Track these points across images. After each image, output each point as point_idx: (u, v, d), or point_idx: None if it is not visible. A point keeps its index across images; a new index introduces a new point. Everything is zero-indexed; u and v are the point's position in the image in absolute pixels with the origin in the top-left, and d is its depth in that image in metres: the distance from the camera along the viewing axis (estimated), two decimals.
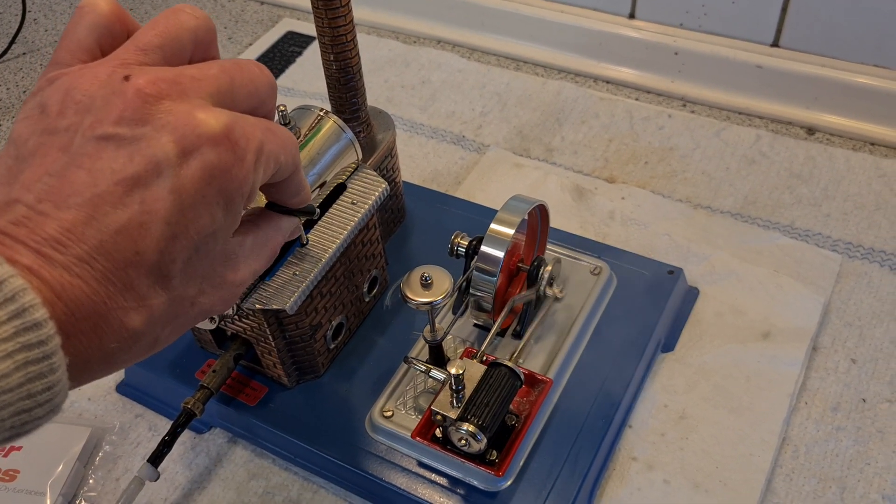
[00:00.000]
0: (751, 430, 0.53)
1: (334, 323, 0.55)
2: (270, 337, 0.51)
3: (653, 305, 0.58)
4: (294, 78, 0.88)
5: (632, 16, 0.82)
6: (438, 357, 0.53)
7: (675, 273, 0.60)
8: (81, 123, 0.29)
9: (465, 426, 0.46)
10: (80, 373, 0.28)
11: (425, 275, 0.48)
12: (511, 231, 0.51)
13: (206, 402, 0.52)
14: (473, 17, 0.89)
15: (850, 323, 0.59)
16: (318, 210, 0.50)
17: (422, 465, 0.50)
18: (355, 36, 0.55)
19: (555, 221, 0.66)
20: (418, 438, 0.49)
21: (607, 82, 0.83)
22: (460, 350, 0.55)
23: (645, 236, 0.66)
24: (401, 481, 0.50)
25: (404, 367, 0.55)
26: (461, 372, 0.47)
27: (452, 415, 0.46)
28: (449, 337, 0.57)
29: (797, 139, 0.74)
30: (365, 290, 0.57)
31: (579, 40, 0.84)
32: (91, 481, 0.55)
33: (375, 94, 0.84)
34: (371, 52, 0.89)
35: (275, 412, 0.54)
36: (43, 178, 0.28)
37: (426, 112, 0.81)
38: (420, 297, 0.48)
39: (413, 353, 0.55)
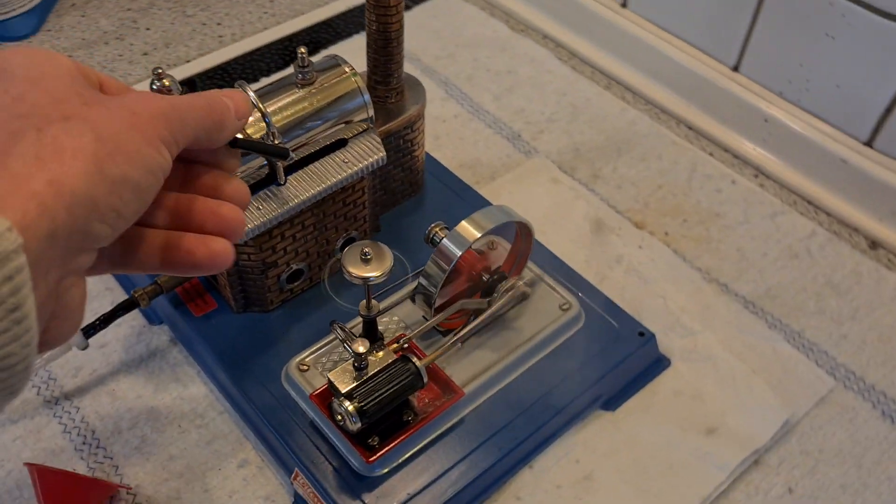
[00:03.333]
0: None
1: (293, 266, 0.56)
2: None
3: (605, 360, 0.56)
4: None
5: (735, 68, 0.77)
6: (371, 333, 0.54)
7: (645, 336, 0.57)
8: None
9: (346, 404, 0.46)
10: None
11: (366, 250, 0.48)
12: (476, 234, 0.50)
13: (153, 297, 0.55)
14: (585, 23, 0.86)
15: (809, 452, 0.55)
16: (292, 154, 0.51)
17: (313, 426, 0.51)
18: (401, 3, 0.55)
19: (562, 246, 0.65)
20: (314, 400, 0.50)
21: (689, 128, 0.79)
22: (399, 332, 0.56)
23: (640, 292, 0.63)
24: (289, 434, 0.51)
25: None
26: (364, 351, 0.47)
27: (341, 389, 0.47)
28: (396, 318, 0.57)
29: (854, 249, 0.68)
30: (338, 247, 0.58)
31: (678, 78, 0.80)
32: None
33: (459, 69, 0.84)
34: (476, 28, 0.89)
35: (212, 329, 0.56)
36: None
37: (498, 101, 0.81)
38: (358, 272, 0.49)
39: (355, 323, 0.56)
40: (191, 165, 0.38)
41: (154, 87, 0.47)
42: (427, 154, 0.71)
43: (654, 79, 0.82)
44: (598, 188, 0.72)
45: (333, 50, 0.87)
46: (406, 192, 0.65)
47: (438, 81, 0.82)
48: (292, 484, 0.51)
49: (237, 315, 0.57)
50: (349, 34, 0.88)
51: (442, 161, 0.73)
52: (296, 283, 0.58)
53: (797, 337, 0.61)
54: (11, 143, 0.29)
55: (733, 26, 0.75)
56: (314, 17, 0.90)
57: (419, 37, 0.87)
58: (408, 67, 0.84)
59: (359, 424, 0.46)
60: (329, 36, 0.88)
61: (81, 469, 0.52)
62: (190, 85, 0.54)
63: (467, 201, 0.66)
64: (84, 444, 0.53)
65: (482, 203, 0.66)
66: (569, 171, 0.74)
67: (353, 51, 0.82)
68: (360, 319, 0.52)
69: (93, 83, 0.35)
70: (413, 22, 0.90)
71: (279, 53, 0.85)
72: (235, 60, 0.84)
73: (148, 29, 0.88)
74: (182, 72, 0.83)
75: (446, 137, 0.77)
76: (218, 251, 0.36)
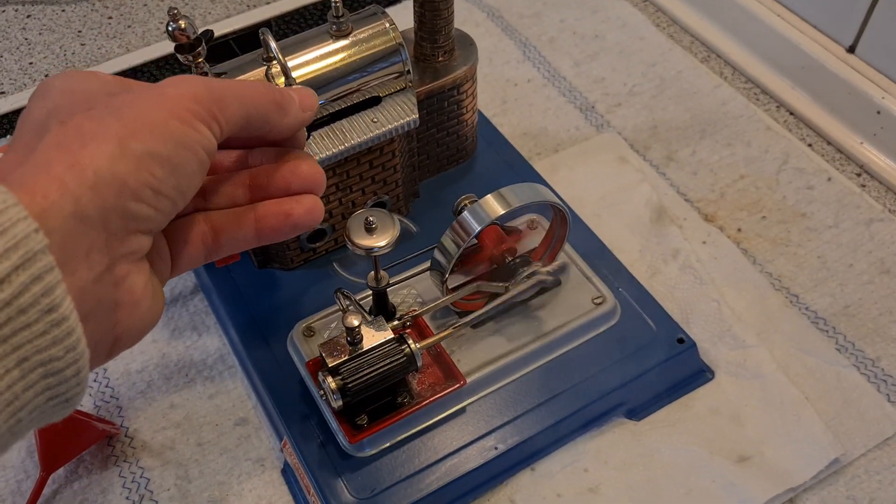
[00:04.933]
0: None
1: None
2: None
3: (634, 364, 0.51)
4: None
5: (851, 49, 0.67)
6: (382, 305, 0.51)
7: (685, 343, 0.52)
8: None
9: (330, 380, 0.44)
10: None
11: (370, 218, 0.45)
12: (500, 210, 0.46)
13: None
14: None
15: (857, 499, 0.48)
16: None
17: (307, 393, 0.49)
18: None
19: (615, 234, 0.60)
20: (310, 368, 0.48)
21: (790, 113, 0.71)
22: (413, 308, 0.52)
23: (693, 293, 0.57)
24: (284, 400, 0.50)
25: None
26: (356, 325, 0.44)
27: (329, 362, 0.45)
28: (414, 292, 0.54)
29: None
30: None
31: (784, 55, 0.71)
32: None
33: (543, 30, 0.78)
34: None
35: (230, 282, 0.55)
36: None
37: (578, 68, 0.74)
38: (362, 242, 0.46)
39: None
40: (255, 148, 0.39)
41: (169, 28, 0.45)
42: (486, 119, 0.66)
43: (758, 54, 0.74)
44: (671, 172, 0.66)
45: None
46: (453, 159, 0.61)
47: (518, 42, 0.77)
48: (282, 450, 0.50)
49: (258, 270, 0.56)
50: None
51: (506, 127, 0.69)
52: (319, 244, 0.55)
53: (870, 365, 0.54)
54: (37, 139, 0.30)
55: (853, 0, 0.65)
56: None
57: None
58: (488, 25, 0.80)
59: (340, 402, 0.44)
60: None
61: (87, 405, 0.53)
62: (224, 46, 0.51)
63: (519, 174, 0.62)
64: (94, 381, 0.54)
65: (533, 178, 0.61)
66: (641, 150, 0.67)
67: None
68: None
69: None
70: None
71: None
72: (314, 5, 0.82)
73: None
74: (261, 14, 0.81)
75: (514, 103, 0.72)
76: (311, 206, 0.38)
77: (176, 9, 0.45)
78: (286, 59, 0.48)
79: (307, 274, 0.55)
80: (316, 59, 0.49)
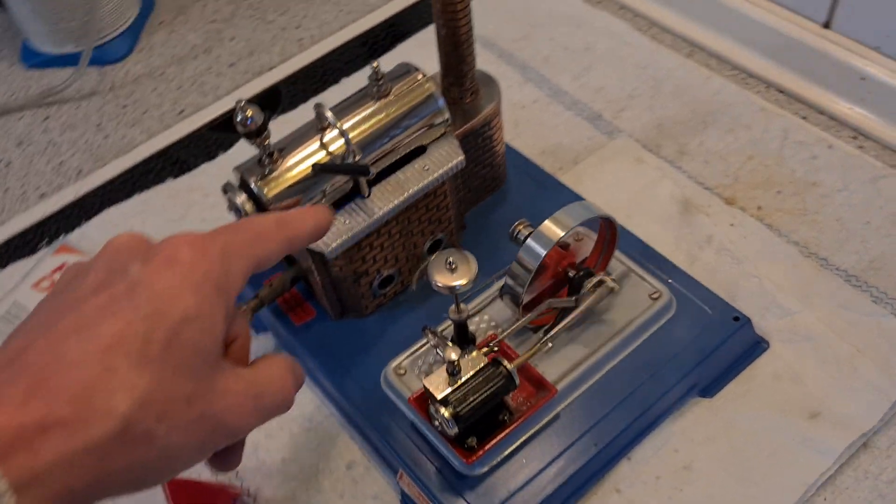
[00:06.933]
0: None
1: (384, 273, 0.58)
2: (315, 273, 0.55)
3: (699, 347, 0.55)
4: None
5: (826, 25, 0.73)
6: (463, 335, 0.55)
7: (740, 321, 0.56)
8: None
9: (443, 410, 0.48)
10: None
11: (451, 259, 0.49)
12: (560, 233, 0.51)
13: (255, 311, 0.58)
14: None
15: None
16: (372, 171, 0.53)
17: (414, 428, 0.53)
18: (468, 6, 0.56)
19: (649, 229, 0.64)
20: (413, 403, 0.52)
21: (780, 91, 0.76)
22: (490, 332, 0.57)
23: (733, 273, 0.62)
24: (391, 436, 0.54)
25: None
26: (456, 358, 0.48)
27: (436, 395, 0.49)
28: (486, 317, 0.58)
29: None
30: (426, 250, 0.60)
31: (764, 39, 0.77)
32: None
33: (536, 50, 0.83)
34: (550, 5, 0.88)
35: (312, 337, 0.59)
36: None
37: (577, 81, 0.79)
38: (445, 281, 0.50)
39: (447, 324, 0.58)
40: None
41: (238, 118, 0.49)
42: (507, 145, 0.71)
43: (739, 42, 0.79)
44: (685, 165, 0.71)
45: (411, 41, 0.87)
46: (489, 188, 0.66)
47: (516, 66, 0.82)
48: (398, 483, 0.54)
49: (336, 322, 0.60)
50: (424, 24, 0.88)
51: (523, 149, 0.73)
52: (388, 288, 0.60)
53: None
54: None
55: None
56: (388, 11, 0.91)
57: (493, 20, 0.87)
58: (485, 55, 0.85)
59: (455, 429, 0.48)
60: (406, 27, 0.89)
61: (206, 475, 0.56)
62: (273, 94, 0.55)
63: (550, 191, 0.66)
64: None
65: (564, 192, 0.66)
66: (653, 149, 0.72)
67: (430, 42, 0.82)
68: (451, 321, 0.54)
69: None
70: (486, 5, 0.90)
71: (357, 52, 0.87)
72: (314, 64, 0.86)
73: (232, 39, 0.91)
74: (267, 80, 0.85)
75: (526, 124, 0.76)
76: None
77: (242, 99, 0.49)
78: (341, 123, 0.52)
79: (382, 318, 0.60)
80: (364, 119, 0.54)
